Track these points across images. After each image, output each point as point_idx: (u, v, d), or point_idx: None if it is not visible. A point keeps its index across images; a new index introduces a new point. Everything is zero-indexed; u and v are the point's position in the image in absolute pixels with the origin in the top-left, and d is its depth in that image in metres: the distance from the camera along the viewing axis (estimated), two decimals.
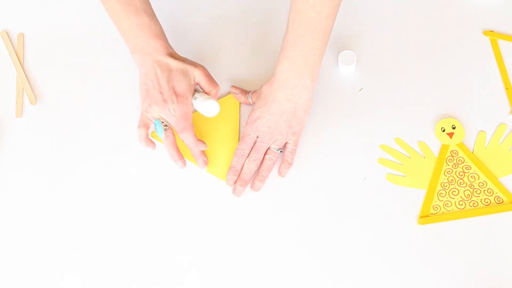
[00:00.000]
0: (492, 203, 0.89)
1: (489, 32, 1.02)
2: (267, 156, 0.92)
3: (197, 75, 0.91)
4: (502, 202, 0.89)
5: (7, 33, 1.08)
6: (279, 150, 0.92)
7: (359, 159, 0.93)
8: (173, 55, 0.91)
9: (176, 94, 0.88)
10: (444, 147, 0.93)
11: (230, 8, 1.07)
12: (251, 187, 0.91)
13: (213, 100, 0.89)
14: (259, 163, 0.92)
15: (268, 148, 0.92)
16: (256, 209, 0.90)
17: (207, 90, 0.92)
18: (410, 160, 0.93)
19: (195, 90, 0.91)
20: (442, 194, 0.90)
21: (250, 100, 0.96)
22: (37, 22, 1.08)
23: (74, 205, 0.92)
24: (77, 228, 0.91)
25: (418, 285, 0.84)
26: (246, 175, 0.91)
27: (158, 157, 0.95)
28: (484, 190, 0.90)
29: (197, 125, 0.95)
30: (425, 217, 0.88)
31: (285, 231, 0.89)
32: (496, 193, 0.90)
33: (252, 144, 0.92)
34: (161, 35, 0.91)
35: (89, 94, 1.01)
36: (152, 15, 0.92)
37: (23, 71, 1.04)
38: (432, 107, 0.97)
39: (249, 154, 0.92)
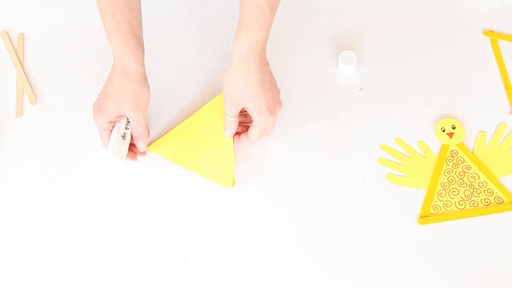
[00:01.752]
0: (492, 203, 0.89)
1: (489, 32, 1.02)
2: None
3: (131, 116, 0.90)
4: (502, 202, 0.89)
5: (7, 33, 1.08)
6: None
7: (359, 159, 0.93)
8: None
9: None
10: (444, 147, 0.93)
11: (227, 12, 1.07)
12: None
13: (117, 152, 0.89)
14: None
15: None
16: (256, 209, 0.90)
17: (133, 131, 0.91)
18: (410, 160, 0.93)
19: (121, 120, 0.91)
20: (442, 194, 0.90)
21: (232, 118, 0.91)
22: (37, 22, 1.08)
23: (74, 205, 0.92)
24: (77, 228, 0.91)
25: (418, 285, 0.84)
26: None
27: (158, 157, 0.95)
28: (484, 190, 0.90)
29: (189, 130, 0.95)
30: (425, 217, 0.88)
31: (285, 231, 0.89)
32: (496, 193, 0.90)
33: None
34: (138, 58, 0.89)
35: (89, 94, 1.01)
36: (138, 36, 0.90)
37: (23, 71, 1.04)
38: (432, 107, 0.97)
39: None
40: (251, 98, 0.87)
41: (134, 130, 0.91)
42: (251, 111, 0.88)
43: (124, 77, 0.89)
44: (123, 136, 0.91)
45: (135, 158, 0.94)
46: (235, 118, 0.90)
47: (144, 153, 0.94)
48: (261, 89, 0.87)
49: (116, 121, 0.91)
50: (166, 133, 0.96)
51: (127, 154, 0.92)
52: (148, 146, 0.94)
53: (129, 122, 0.92)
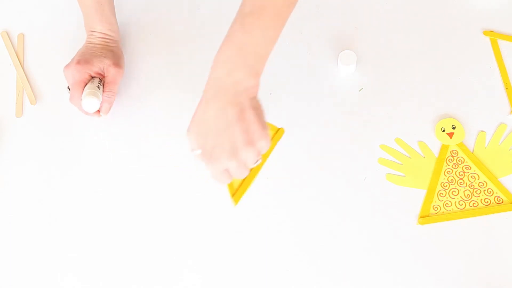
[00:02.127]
0: (492, 203, 0.89)
1: (489, 32, 1.02)
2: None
3: (110, 71, 0.95)
4: (502, 202, 0.89)
5: (7, 33, 1.08)
6: (258, 161, 0.76)
7: (359, 159, 0.93)
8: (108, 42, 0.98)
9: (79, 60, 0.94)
10: (444, 147, 0.93)
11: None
12: None
13: (95, 99, 0.92)
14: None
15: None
16: (256, 209, 0.90)
17: (106, 89, 0.95)
18: (410, 160, 0.93)
19: (94, 79, 0.95)
20: (442, 194, 0.90)
21: (198, 152, 0.74)
22: (37, 22, 1.08)
23: (74, 205, 0.92)
24: (77, 228, 0.91)
25: (418, 285, 0.84)
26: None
27: (159, 157, 0.95)
28: (484, 190, 0.90)
29: None
30: (425, 217, 0.88)
31: (285, 231, 0.89)
32: (496, 193, 0.90)
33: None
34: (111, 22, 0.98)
35: None
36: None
37: (23, 71, 1.04)
38: (432, 107, 0.97)
39: None
40: (192, 126, 0.73)
41: (107, 89, 0.95)
42: None
43: (106, 42, 0.98)
44: (98, 92, 0.93)
45: (99, 115, 0.96)
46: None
47: (101, 116, 0.97)
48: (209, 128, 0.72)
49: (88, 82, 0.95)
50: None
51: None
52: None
53: (100, 82, 0.94)
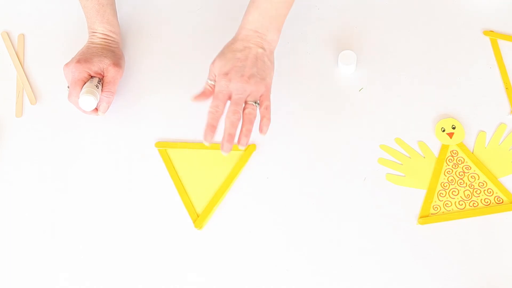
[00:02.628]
0: (492, 203, 0.89)
1: (489, 32, 1.02)
2: (246, 110, 0.88)
3: (110, 70, 0.95)
4: (502, 202, 0.89)
5: (7, 33, 1.08)
6: (256, 103, 0.89)
7: (359, 159, 0.93)
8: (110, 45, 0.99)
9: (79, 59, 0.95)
10: (444, 147, 0.93)
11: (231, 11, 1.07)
12: (238, 143, 0.87)
13: (92, 97, 0.92)
14: (240, 116, 0.88)
15: (246, 102, 0.89)
16: (256, 209, 0.90)
17: (104, 88, 0.95)
18: (410, 160, 0.93)
19: (93, 78, 0.95)
20: (442, 194, 0.90)
21: (213, 83, 0.91)
22: (37, 22, 1.09)
23: (74, 205, 0.92)
24: (77, 228, 0.91)
25: (418, 285, 0.84)
26: (230, 129, 0.87)
27: (159, 157, 0.95)
28: (484, 190, 0.90)
29: (198, 159, 0.94)
30: (425, 217, 0.88)
31: (285, 231, 0.89)
32: (496, 193, 0.90)
33: (226, 100, 0.89)
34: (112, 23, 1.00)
35: None
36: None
37: (23, 71, 1.04)
38: (432, 107, 0.97)
39: (227, 110, 0.89)
40: (219, 56, 0.91)
41: (106, 89, 0.95)
42: (214, 69, 0.91)
43: (106, 42, 0.99)
44: (96, 91, 0.93)
45: (97, 114, 0.97)
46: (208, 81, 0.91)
47: (99, 115, 0.97)
48: (233, 55, 0.89)
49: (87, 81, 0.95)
50: (187, 143, 0.95)
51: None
52: (159, 143, 0.95)
53: (99, 82, 0.94)
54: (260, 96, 0.90)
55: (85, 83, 0.94)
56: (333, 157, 0.93)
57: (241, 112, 0.88)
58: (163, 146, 0.95)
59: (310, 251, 0.87)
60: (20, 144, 0.98)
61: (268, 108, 0.90)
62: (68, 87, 0.95)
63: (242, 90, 0.88)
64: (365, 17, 1.05)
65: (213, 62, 0.91)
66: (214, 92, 0.89)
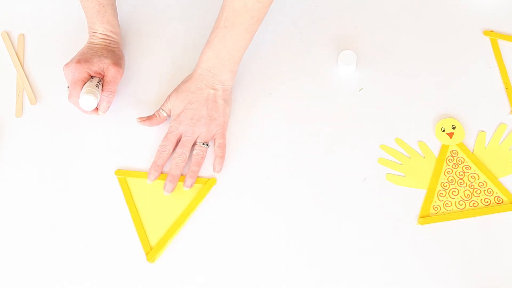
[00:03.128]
0: (492, 203, 0.89)
1: (489, 32, 1.02)
2: (194, 151, 0.93)
3: (110, 70, 0.95)
4: (502, 202, 0.89)
5: (7, 33, 1.08)
6: (206, 145, 0.93)
7: (359, 159, 0.93)
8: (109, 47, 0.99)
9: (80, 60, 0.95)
10: (444, 147, 0.93)
11: None
12: (184, 183, 0.91)
13: (92, 97, 0.92)
14: (186, 158, 0.93)
15: (195, 143, 0.94)
16: (256, 209, 0.90)
17: (105, 88, 0.95)
18: (410, 160, 0.93)
19: (94, 78, 0.95)
20: (442, 194, 0.90)
21: (164, 113, 0.96)
22: (37, 22, 1.09)
23: (74, 205, 0.92)
24: (77, 228, 0.91)
25: (418, 285, 0.84)
26: (174, 170, 0.92)
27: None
28: (484, 190, 0.90)
29: (157, 190, 0.92)
30: (425, 217, 0.88)
31: (285, 231, 0.89)
32: (496, 193, 0.90)
33: (175, 140, 0.93)
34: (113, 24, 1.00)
35: None
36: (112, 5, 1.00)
37: (23, 71, 1.04)
38: (432, 107, 0.97)
39: (174, 150, 0.94)
40: (175, 93, 0.95)
41: (106, 88, 0.95)
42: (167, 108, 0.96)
43: (106, 42, 0.99)
44: (96, 91, 0.93)
45: (97, 113, 0.96)
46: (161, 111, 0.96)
47: (99, 114, 0.96)
48: (186, 96, 0.94)
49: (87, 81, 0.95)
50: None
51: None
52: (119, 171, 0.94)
53: (100, 82, 0.94)
54: (214, 135, 0.94)
55: (85, 83, 0.94)
56: (333, 157, 0.93)
57: (187, 154, 0.93)
58: (122, 175, 0.93)
59: (310, 251, 0.87)
60: (20, 144, 0.98)
61: (221, 146, 0.94)
62: (68, 87, 0.95)
63: (190, 132, 0.93)
64: (365, 17, 1.05)
65: (169, 97, 0.96)
66: (161, 122, 0.96)
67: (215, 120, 0.94)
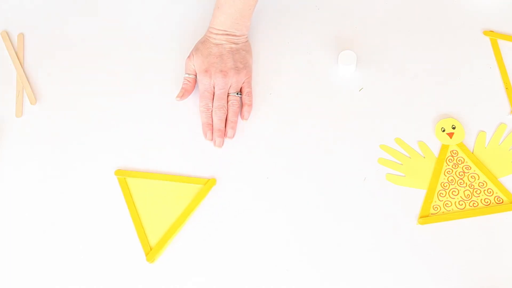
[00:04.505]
0: (492, 203, 0.89)
1: (489, 32, 1.02)
2: (229, 102, 0.96)
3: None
4: (502, 202, 0.89)
5: (7, 33, 1.08)
6: (238, 94, 0.97)
7: (359, 159, 0.93)
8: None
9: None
10: (444, 147, 0.93)
11: None
12: (225, 135, 0.95)
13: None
14: (225, 110, 0.96)
15: (228, 95, 0.97)
16: (256, 209, 0.90)
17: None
18: (410, 160, 0.93)
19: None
20: (442, 194, 0.90)
21: (191, 76, 0.98)
22: (37, 22, 1.08)
23: (74, 205, 0.92)
24: (77, 228, 0.91)
25: (418, 285, 0.84)
26: (218, 124, 0.95)
27: (158, 157, 0.95)
28: (484, 190, 0.90)
29: (157, 190, 0.92)
30: (425, 217, 0.88)
31: (285, 231, 0.89)
32: (496, 193, 0.90)
33: (212, 96, 0.96)
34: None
35: (89, 94, 1.01)
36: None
37: (23, 71, 1.04)
38: (432, 107, 0.97)
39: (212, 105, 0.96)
40: (195, 52, 0.98)
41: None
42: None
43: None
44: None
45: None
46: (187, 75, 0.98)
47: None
48: (209, 52, 0.96)
49: None
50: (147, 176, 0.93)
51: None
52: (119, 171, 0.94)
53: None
54: (242, 84, 0.97)
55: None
56: (333, 157, 0.93)
57: (226, 105, 0.96)
58: (122, 175, 0.93)
59: (310, 251, 0.87)
60: (20, 144, 0.97)
61: (249, 94, 0.97)
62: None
63: (223, 84, 0.96)
64: (365, 17, 1.05)
65: (189, 57, 0.98)
66: (194, 85, 0.98)
67: (242, 70, 0.97)
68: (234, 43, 0.97)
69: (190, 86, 0.98)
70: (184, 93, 0.98)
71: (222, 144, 0.94)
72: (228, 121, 0.95)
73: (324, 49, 1.03)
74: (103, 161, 0.95)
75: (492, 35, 1.02)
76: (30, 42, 1.07)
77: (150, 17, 1.08)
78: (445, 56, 1.01)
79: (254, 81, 1.00)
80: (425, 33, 1.03)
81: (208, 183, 0.92)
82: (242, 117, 0.96)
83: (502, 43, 1.01)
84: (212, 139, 0.95)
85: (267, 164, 0.94)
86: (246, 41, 0.99)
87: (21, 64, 1.04)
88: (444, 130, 0.94)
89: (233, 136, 0.95)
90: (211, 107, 0.96)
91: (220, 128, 0.94)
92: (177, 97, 0.97)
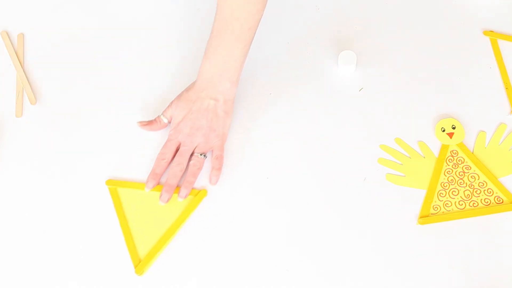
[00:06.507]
0: (492, 203, 0.89)
1: (489, 32, 1.02)
2: (191, 162, 0.92)
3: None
4: (502, 202, 0.89)
5: (7, 33, 1.08)
6: (203, 156, 0.92)
7: (359, 159, 0.93)
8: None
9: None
10: (444, 147, 0.93)
11: None
12: (178, 194, 0.90)
13: None
14: (183, 168, 0.91)
15: (192, 154, 0.92)
16: (256, 209, 0.90)
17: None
18: (410, 160, 0.93)
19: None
20: (442, 194, 0.90)
21: (165, 120, 0.95)
22: (37, 22, 1.08)
23: (74, 206, 0.92)
24: (77, 228, 0.91)
25: (418, 285, 0.84)
26: (171, 180, 0.90)
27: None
28: (484, 190, 0.90)
29: (147, 201, 0.91)
30: (425, 217, 0.88)
31: (285, 231, 0.89)
32: (496, 193, 0.90)
33: (175, 148, 0.92)
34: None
35: (89, 94, 1.01)
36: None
37: (23, 71, 1.04)
38: (432, 107, 0.97)
39: (172, 159, 0.92)
40: (176, 100, 0.94)
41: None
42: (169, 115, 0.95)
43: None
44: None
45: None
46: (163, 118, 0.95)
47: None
48: (187, 105, 0.92)
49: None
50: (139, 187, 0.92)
51: None
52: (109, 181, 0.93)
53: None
54: (212, 147, 0.93)
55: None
56: (333, 157, 0.93)
57: (185, 163, 0.92)
58: (113, 185, 0.92)
59: (310, 251, 0.87)
60: (20, 144, 0.97)
61: (218, 158, 0.92)
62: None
63: (189, 142, 0.92)
64: (365, 17, 1.05)
65: (171, 104, 0.94)
66: (162, 128, 0.95)
67: (215, 131, 0.92)
68: (214, 100, 0.91)
69: (157, 127, 0.95)
70: (148, 126, 0.95)
71: (167, 201, 0.89)
72: (184, 180, 0.90)
73: (324, 49, 1.03)
74: (102, 161, 0.95)
75: (492, 35, 1.02)
76: (30, 42, 1.07)
77: (150, 18, 1.08)
78: (445, 56, 1.01)
79: (254, 81, 1.00)
80: (425, 33, 1.03)
81: (199, 194, 0.91)
82: (210, 181, 0.91)
83: (502, 43, 1.01)
84: (150, 189, 0.90)
85: (267, 164, 0.94)
86: (230, 101, 0.93)
87: (21, 64, 1.04)
88: (444, 130, 0.94)
89: (185, 196, 0.89)
90: (168, 160, 0.92)
91: (171, 184, 0.90)
92: (139, 122, 0.95)
